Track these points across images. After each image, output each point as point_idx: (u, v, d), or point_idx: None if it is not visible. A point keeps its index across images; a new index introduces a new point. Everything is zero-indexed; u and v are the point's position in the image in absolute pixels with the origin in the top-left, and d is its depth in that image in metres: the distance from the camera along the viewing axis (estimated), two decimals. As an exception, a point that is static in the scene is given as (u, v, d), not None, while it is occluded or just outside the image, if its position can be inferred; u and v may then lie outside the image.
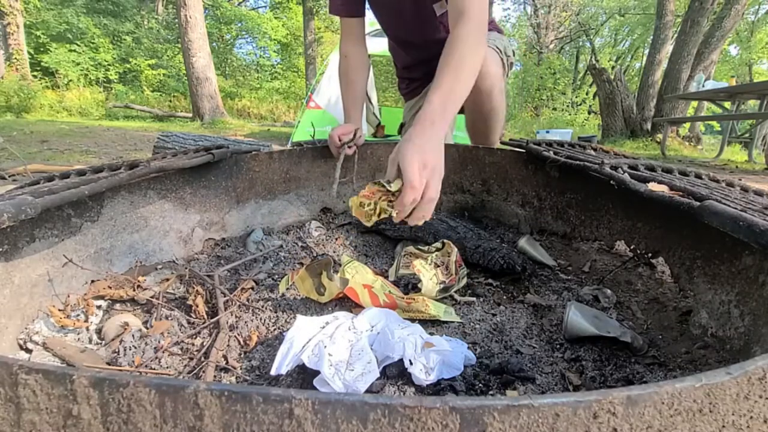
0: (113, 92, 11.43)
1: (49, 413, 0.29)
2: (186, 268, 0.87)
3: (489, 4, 0.99)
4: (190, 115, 8.75)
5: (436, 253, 0.92)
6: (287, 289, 0.81)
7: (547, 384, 0.56)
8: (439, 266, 0.86)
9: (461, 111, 1.41)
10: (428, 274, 0.80)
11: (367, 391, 0.51)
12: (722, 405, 0.29)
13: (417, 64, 1.52)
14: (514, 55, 1.47)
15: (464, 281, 0.85)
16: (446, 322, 0.73)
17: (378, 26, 1.50)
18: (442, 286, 0.80)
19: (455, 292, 0.83)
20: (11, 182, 2.22)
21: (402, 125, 1.77)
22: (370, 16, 1.41)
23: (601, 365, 0.60)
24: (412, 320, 0.69)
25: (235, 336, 0.67)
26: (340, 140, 1.20)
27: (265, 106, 12.40)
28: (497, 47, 1.34)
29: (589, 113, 12.61)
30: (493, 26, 1.49)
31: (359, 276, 0.75)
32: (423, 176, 0.69)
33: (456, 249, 0.90)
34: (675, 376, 0.57)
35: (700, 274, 0.70)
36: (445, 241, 0.94)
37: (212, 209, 1.08)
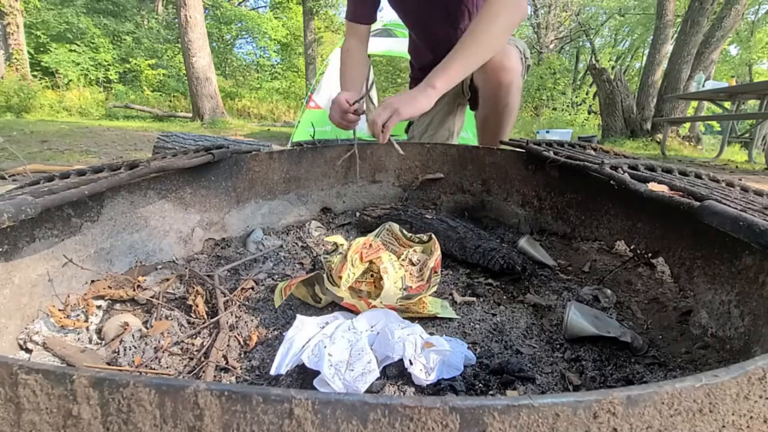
0: (113, 92, 11.42)
1: (49, 413, 0.29)
2: (186, 268, 0.87)
3: None
4: (190, 115, 8.75)
5: (418, 245, 0.85)
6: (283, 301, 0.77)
7: (547, 384, 0.56)
8: (414, 265, 0.78)
9: (474, 107, 1.43)
10: (394, 276, 0.71)
11: (367, 391, 0.51)
12: (722, 405, 0.29)
13: (434, 64, 1.55)
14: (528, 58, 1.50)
15: (434, 289, 0.75)
16: (446, 322, 0.72)
17: (378, 26, 1.52)
18: (404, 293, 0.70)
19: (455, 291, 0.82)
20: (11, 182, 2.22)
21: (410, 124, 1.78)
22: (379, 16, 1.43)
23: (601, 365, 0.60)
24: (412, 319, 0.69)
25: (235, 336, 0.67)
26: (348, 103, 1.18)
27: (265, 106, 12.39)
28: (517, 46, 1.37)
29: (589, 113, 12.60)
30: None
31: (357, 269, 0.72)
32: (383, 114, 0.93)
33: (439, 251, 0.81)
34: (675, 376, 0.57)
35: (700, 274, 0.70)
36: (432, 236, 0.85)
37: (212, 209, 1.08)
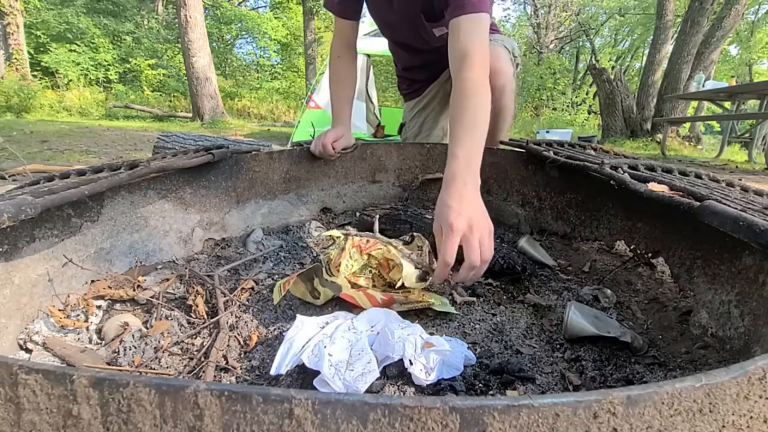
0: (113, 92, 11.42)
1: (49, 413, 0.29)
2: (186, 268, 0.87)
3: (489, 4, 0.99)
4: (190, 115, 8.75)
5: (404, 246, 0.84)
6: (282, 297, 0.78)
7: (547, 384, 0.56)
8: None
9: None
10: (405, 261, 0.74)
11: (367, 391, 0.51)
12: (722, 405, 0.29)
13: (418, 66, 1.53)
14: (518, 56, 1.49)
15: None
16: (446, 322, 0.72)
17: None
18: (421, 271, 0.73)
19: (455, 291, 0.82)
20: (11, 182, 2.22)
21: (402, 125, 1.77)
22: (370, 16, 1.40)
23: (601, 365, 0.60)
24: (411, 315, 0.69)
25: (235, 336, 0.67)
26: (333, 148, 1.21)
27: (265, 106, 12.38)
28: (506, 47, 1.35)
29: (589, 113, 12.61)
30: (494, 28, 1.50)
31: (355, 261, 0.72)
32: (473, 242, 0.68)
33: (427, 242, 0.83)
34: (675, 376, 0.57)
35: (700, 274, 0.71)
36: (415, 234, 0.86)
37: (212, 209, 1.08)
